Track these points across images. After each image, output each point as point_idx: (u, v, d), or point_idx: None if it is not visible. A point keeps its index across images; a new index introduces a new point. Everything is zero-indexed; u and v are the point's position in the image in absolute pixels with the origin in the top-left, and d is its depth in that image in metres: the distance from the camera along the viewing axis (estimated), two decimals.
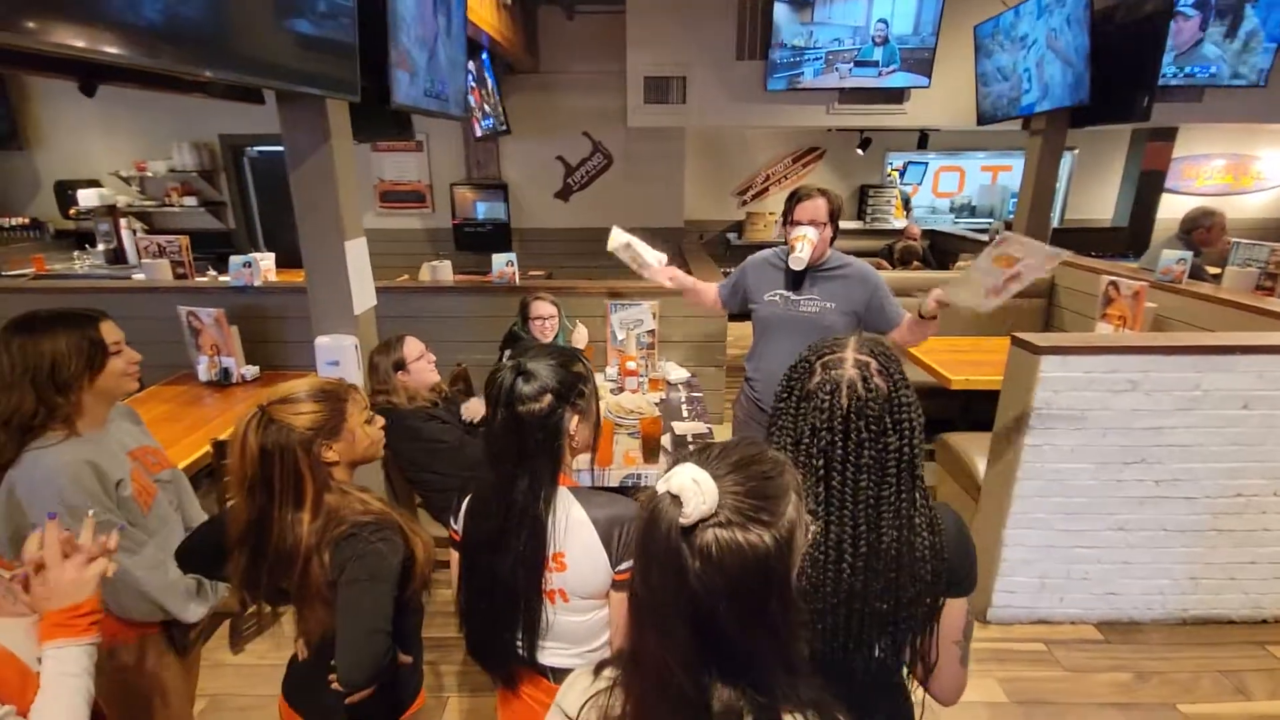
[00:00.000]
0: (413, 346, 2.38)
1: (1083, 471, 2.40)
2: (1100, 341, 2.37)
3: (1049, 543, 2.48)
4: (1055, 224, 5.52)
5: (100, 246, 5.71)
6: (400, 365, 2.34)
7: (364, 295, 2.34)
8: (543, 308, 3.02)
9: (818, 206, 2.12)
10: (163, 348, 3.23)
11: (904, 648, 0.95)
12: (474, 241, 6.34)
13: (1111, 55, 3.73)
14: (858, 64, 5.37)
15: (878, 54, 5.34)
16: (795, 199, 2.17)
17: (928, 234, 6.47)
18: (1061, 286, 4.18)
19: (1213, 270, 3.65)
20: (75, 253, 5.79)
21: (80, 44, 1.08)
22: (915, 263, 5.39)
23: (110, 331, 1.37)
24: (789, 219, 2.17)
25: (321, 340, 2.26)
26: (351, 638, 1.08)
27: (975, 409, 3.17)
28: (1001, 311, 4.24)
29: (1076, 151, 7.16)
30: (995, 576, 2.52)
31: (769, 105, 5.58)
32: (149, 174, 6.15)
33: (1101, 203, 7.43)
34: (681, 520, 0.65)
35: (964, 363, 3.29)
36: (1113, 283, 3.24)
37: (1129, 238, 7.05)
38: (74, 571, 0.94)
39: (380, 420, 1.30)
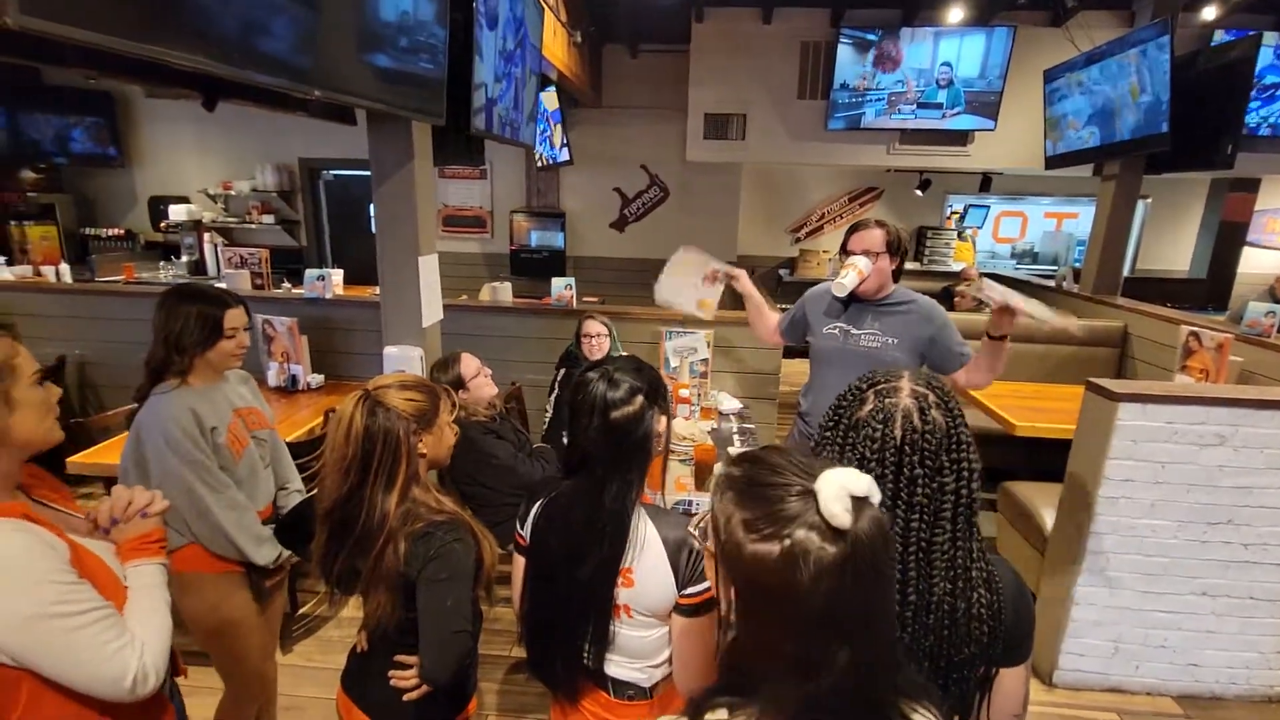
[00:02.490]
0: (469, 364, 2.38)
1: (1163, 529, 2.26)
2: (1184, 391, 2.25)
3: (1124, 604, 2.33)
4: (1126, 272, 5.30)
5: (184, 258, 6.11)
6: (459, 383, 2.34)
7: (432, 309, 2.42)
8: (592, 326, 3.08)
9: (872, 236, 2.12)
10: None
11: (953, 718, 0.87)
12: (530, 267, 6.52)
13: (1192, 102, 3.63)
14: (921, 105, 5.36)
15: (942, 96, 5.33)
16: (852, 229, 2.19)
17: (991, 278, 6.32)
18: (1135, 336, 4.00)
19: None
20: (161, 263, 6.19)
21: (222, 64, 1.19)
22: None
23: (233, 319, 1.60)
24: (844, 248, 2.18)
25: (390, 350, 2.34)
26: (436, 637, 1.11)
27: (1040, 458, 3.03)
28: (1070, 360, 4.09)
29: (1149, 200, 6.92)
30: (1063, 636, 2.37)
31: (829, 144, 5.60)
32: (233, 193, 6.56)
33: (1177, 253, 7.14)
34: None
35: (1029, 409, 3.16)
36: (1194, 333, 3.08)
37: (1208, 290, 6.74)
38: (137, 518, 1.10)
39: (456, 430, 1.34)
